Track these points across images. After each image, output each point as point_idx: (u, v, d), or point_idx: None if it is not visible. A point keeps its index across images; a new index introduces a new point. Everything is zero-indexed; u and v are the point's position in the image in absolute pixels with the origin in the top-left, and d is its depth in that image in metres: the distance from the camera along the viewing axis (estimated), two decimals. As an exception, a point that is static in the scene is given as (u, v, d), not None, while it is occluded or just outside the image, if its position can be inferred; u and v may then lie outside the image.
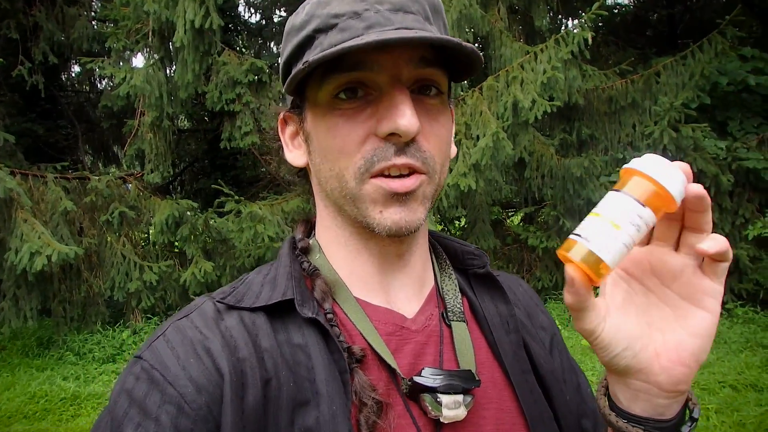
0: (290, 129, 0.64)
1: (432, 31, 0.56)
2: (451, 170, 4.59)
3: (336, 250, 0.62)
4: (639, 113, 5.07)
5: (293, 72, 0.55)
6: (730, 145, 4.99)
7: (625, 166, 0.47)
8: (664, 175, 0.44)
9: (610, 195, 0.46)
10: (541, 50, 4.59)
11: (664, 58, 5.13)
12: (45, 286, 4.77)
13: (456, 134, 4.49)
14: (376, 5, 0.54)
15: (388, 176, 0.55)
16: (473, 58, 0.54)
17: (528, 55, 4.64)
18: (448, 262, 0.69)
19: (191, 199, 5.12)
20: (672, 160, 0.46)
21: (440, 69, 0.56)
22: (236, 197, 4.77)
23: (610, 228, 0.43)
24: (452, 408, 0.54)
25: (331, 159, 0.56)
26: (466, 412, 0.55)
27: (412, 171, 0.55)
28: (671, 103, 4.60)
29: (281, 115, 0.65)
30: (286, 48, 0.60)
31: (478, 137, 4.53)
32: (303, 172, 0.67)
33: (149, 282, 4.93)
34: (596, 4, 4.29)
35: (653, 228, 0.47)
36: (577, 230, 0.45)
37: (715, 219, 4.92)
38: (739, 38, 4.99)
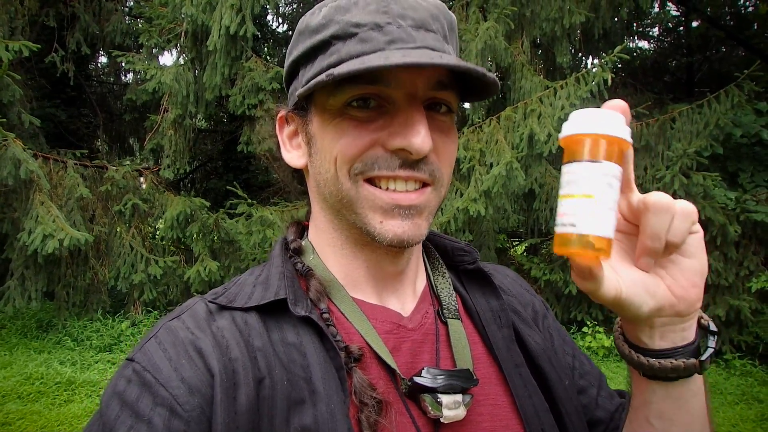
0: (289, 129, 0.63)
1: (449, 51, 0.56)
2: (462, 194, 4.65)
3: (330, 252, 0.61)
4: (651, 156, 5.14)
5: (314, 81, 0.52)
6: (740, 196, 5.04)
7: (561, 135, 0.47)
8: (602, 124, 0.44)
9: (567, 170, 0.45)
10: (561, 86, 4.68)
11: (680, 105, 5.21)
12: (52, 269, 4.82)
13: (470, 160, 4.48)
14: (399, 20, 0.53)
15: (393, 190, 0.54)
16: (492, 87, 0.54)
17: (548, 90, 4.74)
18: (440, 261, 0.69)
19: (201, 198, 5.19)
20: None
21: (453, 92, 0.57)
22: (249, 200, 4.85)
23: (589, 202, 0.43)
24: (452, 408, 0.54)
25: (331, 161, 0.56)
26: (465, 412, 0.55)
27: (420, 185, 0.56)
28: (684, 149, 4.67)
29: (282, 114, 0.63)
30: (297, 47, 0.58)
31: (491, 165, 4.61)
32: (299, 173, 0.65)
33: (153, 275, 4.98)
34: (618, 48, 4.39)
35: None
36: (561, 219, 0.44)
37: (720, 269, 4.93)
38: (755, 92, 5.08)
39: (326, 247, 0.62)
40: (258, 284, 0.58)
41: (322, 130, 0.56)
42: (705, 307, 5.01)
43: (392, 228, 0.54)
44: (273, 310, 0.55)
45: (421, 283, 0.65)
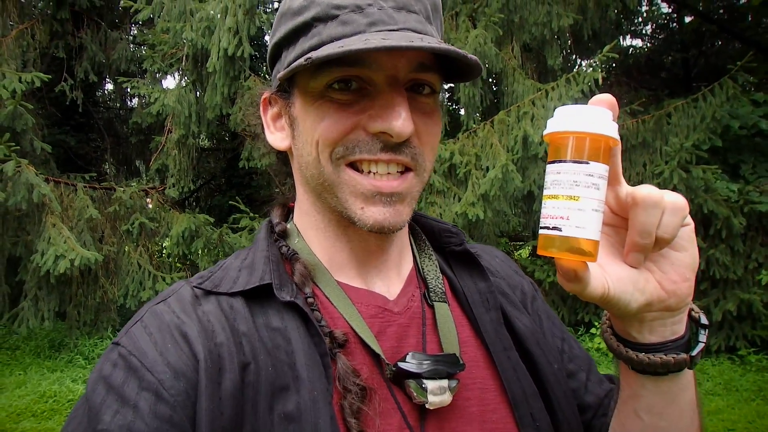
0: (273, 111, 0.63)
1: (432, 32, 0.56)
2: (459, 199, 4.69)
3: (314, 235, 0.61)
4: (649, 153, 5.12)
5: (293, 64, 0.52)
6: (743, 188, 4.98)
7: (545, 132, 0.45)
8: (587, 122, 0.42)
9: (551, 169, 0.44)
10: (553, 88, 4.72)
11: (676, 100, 5.21)
12: (64, 289, 4.96)
13: (466, 164, 4.54)
14: (380, 1, 0.53)
15: (374, 173, 0.54)
16: (474, 68, 0.54)
17: (539, 93, 4.79)
18: (427, 243, 0.68)
19: (205, 215, 5.31)
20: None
21: (436, 73, 0.56)
22: (251, 214, 4.95)
23: (574, 204, 0.41)
24: (438, 394, 0.53)
25: (312, 144, 0.55)
26: (451, 398, 0.55)
27: (402, 168, 0.55)
28: (682, 143, 4.65)
29: (265, 96, 0.63)
30: (279, 29, 0.58)
31: (487, 168, 4.65)
32: (283, 155, 0.65)
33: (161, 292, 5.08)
34: (607, 47, 4.43)
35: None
36: (545, 221, 0.43)
37: (727, 262, 4.86)
38: (754, 84, 5.05)
39: (310, 230, 0.61)
40: (243, 268, 0.58)
41: (304, 113, 0.56)
42: (716, 302, 5.01)
43: (373, 215, 0.54)
44: (258, 295, 0.55)
45: (407, 265, 0.65)
